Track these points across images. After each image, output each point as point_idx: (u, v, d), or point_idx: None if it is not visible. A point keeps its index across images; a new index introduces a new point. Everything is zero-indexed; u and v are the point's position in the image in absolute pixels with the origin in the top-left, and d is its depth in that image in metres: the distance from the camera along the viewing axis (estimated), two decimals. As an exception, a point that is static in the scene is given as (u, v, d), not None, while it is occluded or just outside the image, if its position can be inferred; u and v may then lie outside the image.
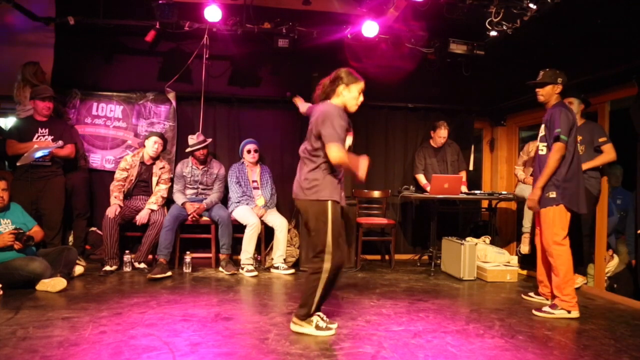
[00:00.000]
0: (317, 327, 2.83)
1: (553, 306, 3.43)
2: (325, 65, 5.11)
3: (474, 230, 5.72)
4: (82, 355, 2.42)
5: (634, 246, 4.02)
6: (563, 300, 3.39)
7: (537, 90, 3.61)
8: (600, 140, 4.10)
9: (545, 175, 3.43)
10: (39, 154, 4.24)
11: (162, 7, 4.68)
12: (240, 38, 5.24)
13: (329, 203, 2.78)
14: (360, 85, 2.92)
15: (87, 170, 5.03)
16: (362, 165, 2.83)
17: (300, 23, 5.11)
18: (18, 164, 4.20)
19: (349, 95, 2.89)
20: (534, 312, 3.45)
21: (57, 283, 3.68)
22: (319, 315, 2.90)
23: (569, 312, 3.36)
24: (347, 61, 5.42)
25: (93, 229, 5.04)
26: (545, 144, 3.53)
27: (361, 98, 2.95)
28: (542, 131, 3.59)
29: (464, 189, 5.24)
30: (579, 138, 4.26)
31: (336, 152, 2.69)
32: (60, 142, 4.40)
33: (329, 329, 2.86)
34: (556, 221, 3.43)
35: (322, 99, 2.95)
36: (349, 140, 2.92)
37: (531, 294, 3.91)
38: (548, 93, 3.57)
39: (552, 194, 3.44)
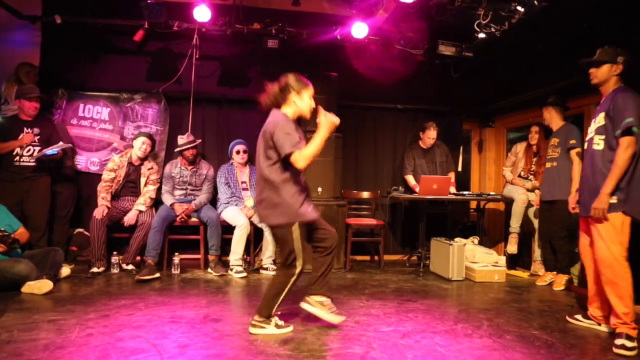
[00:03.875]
0: (277, 326, 2.89)
1: (620, 335, 2.77)
2: (315, 66, 5.19)
3: (463, 231, 5.76)
4: (68, 358, 2.39)
5: None
6: (627, 324, 2.80)
7: (591, 70, 3.01)
8: (571, 142, 4.18)
9: (614, 176, 2.81)
10: (49, 152, 4.27)
11: (150, 7, 4.66)
12: (230, 38, 5.23)
13: (295, 226, 2.78)
14: (311, 91, 2.93)
15: (73, 170, 4.98)
16: (326, 124, 2.71)
17: (290, 24, 5.11)
18: (34, 157, 4.30)
19: (302, 103, 2.89)
20: (616, 351, 2.71)
21: (43, 285, 3.63)
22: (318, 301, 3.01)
23: (634, 338, 2.75)
24: (337, 62, 5.44)
25: (80, 230, 4.99)
26: (603, 137, 2.91)
27: (313, 103, 2.94)
28: (599, 121, 2.96)
29: (452, 189, 5.28)
30: (556, 141, 4.35)
31: (301, 159, 2.69)
32: (70, 144, 4.57)
33: (288, 326, 2.93)
34: (618, 231, 2.83)
35: (270, 107, 2.95)
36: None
37: (579, 316, 3.28)
38: (604, 74, 2.96)
39: (613, 199, 2.83)
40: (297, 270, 2.83)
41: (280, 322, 2.91)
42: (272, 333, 2.85)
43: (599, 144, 2.95)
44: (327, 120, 2.72)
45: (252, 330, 2.88)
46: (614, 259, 2.82)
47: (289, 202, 2.78)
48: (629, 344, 2.70)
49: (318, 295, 3.05)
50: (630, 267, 2.83)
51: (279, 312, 3.02)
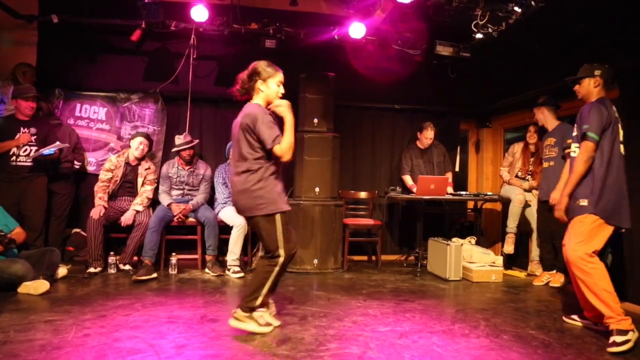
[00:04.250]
0: (259, 324, 2.84)
1: (611, 333, 2.79)
2: (312, 66, 5.19)
3: (460, 231, 5.77)
4: (65, 358, 2.38)
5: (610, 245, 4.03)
6: (612, 318, 2.81)
7: (575, 88, 3.21)
8: (569, 142, 4.19)
9: (572, 180, 2.96)
10: (46, 151, 4.25)
11: (148, 6, 4.65)
12: (227, 38, 5.22)
13: (277, 216, 2.79)
14: (278, 77, 2.90)
15: (71, 170, 4.95)
16: (284, 109, 2.80)
17: (288, 24, 5.11)
18: (31, 156, 4.26)
19: (268, 90, 2.89)
20: (608, 349, 2.72)
21: (39, 285, 3.62)
22: (261, 311, 2.90)
23: (626, 332, 2.76)
24: (335, 62, 5.44)
25: (77, 230, 4.97)
26: (578, 145, 3.05)
27: (282, 89, 2.92)
28: (574, 131, 3.15)
29: (449, 189, 5.29)
30: (552, 141, 4.36)
31: (284, 152, 2.73)
32: (67, 144, 4.54)
33: (269, 325, 2.88)
34: (587, 231, 2.90)
35: (243, 94, 2.97)
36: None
37: (575, 316, 3.30)
38: (585, 89, 3.13)
39: (584, 202, 2.92)
40: (281, 259, 2.79)
41: (262, 320, 2.85)
42: (253, 330, 2.82)
43: (575, 151, 3.11)
44: (282, 105, 2.76)
45: (232, 323, 2.84)
46: (579, 258, 2.89)
47: (272, 192, 2.80)
48: (619, 339, 2.73)
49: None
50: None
51: (273, 311, 3.02)
